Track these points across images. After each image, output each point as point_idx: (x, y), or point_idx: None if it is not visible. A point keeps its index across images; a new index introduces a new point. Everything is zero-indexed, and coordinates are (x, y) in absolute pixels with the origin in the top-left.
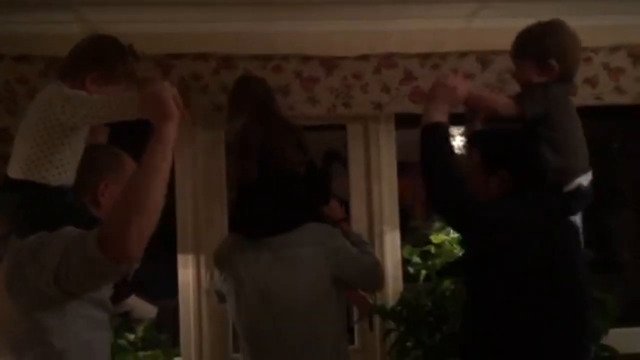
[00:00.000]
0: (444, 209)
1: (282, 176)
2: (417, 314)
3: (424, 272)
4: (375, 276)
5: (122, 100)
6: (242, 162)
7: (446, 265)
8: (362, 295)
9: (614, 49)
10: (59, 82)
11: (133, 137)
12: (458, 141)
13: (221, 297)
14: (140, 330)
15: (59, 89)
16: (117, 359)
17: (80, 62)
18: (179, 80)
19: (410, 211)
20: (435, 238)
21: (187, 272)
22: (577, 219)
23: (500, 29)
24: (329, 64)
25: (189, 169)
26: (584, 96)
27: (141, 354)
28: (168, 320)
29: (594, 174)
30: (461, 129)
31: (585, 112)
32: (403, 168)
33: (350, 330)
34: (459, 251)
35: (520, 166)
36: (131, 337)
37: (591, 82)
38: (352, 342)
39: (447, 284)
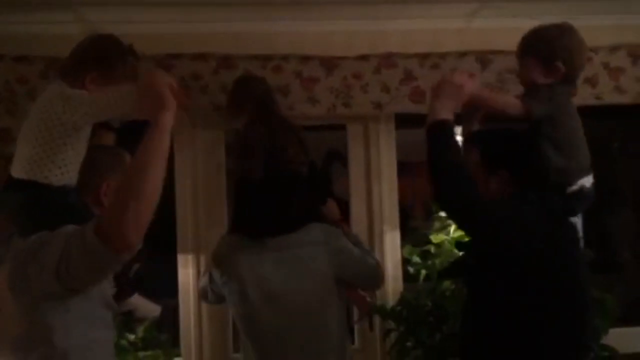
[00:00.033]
0: (451, 207)
1: (286, 176)
2: (417, 314)
3: (424, 272)
4: (376, 277)
5: (120, 95)
6: (246, 161)
7: (447, 265)
8: (362, 295)
9: (614, 49)
10: (59, 82)
11: (138, 139)
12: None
13: (220, 298)
14: (140, 331)
15: (60, 88)
16: (118, 359)
17: (80, 62)
18: (178, 80)
19: (410, 211)
20: (435, 238)
21: (187, 272)
22: (576, 218)
23: (500, 29)
24: (329, 64)
25: (188, 169)
26: (584, 96)
27: (141, 354)
28: (168, 320)
29: (594, 174)
30: (458, 129)
31: (585, 112)
32: (403, 168)
33: (351, 330)
34: (458, 251)
35: (520, 166)
36: (131, 337)
37: (591, 81)
38: (352, 342)
39: (447, 284)
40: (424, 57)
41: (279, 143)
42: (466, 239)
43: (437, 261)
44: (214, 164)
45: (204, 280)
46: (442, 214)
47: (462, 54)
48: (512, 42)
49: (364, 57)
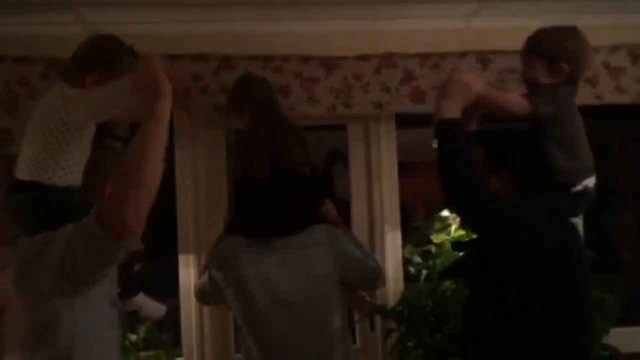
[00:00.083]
0: (462, 206)
1: (291, 177)
2: (418, 314)
3: (424, 272)
4: (377, 279)
5: (117, 87)
6: (250, 162)
7: (449, 265)
8: (362, 296)
9: (614, 49)
10: (61, 84)
11: None
12: None
13: (219, 300)
14: (142, 331)
15: (62, 90)
16: None
17: (81, 63)
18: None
19: (410, 211)
20: (436, 238)
21: (188, 272)
22: (576, 219)
23: (500, 29)
24: (329, 64)
25: (189, 169)
26: (584, 95)
27: (143, 354)
28: (170, 321)
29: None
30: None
31: (586, 112)
32: (403, 168)
33: (352, 330)
34: (456, 252)
35: (522, 166)
36: (133, 337)
37: (591, 81)
38: (353, 342)
39: (448, 284)
40: (424, 57)
41: (283, 144)
42: (464, 240)
43: (438, 261)
44: (214, 164)
45: (202, 281)
46: (443, 213)
47: (463, 54)
48: (512, 42)
49: (364, 57)
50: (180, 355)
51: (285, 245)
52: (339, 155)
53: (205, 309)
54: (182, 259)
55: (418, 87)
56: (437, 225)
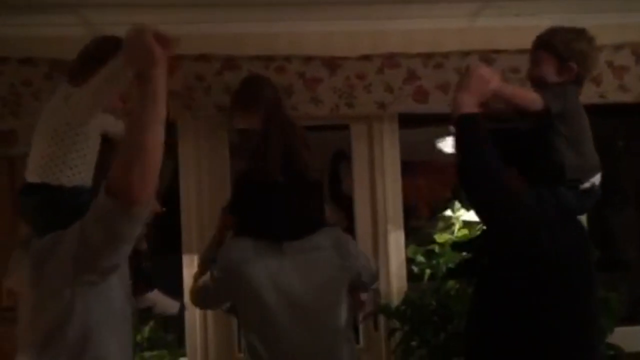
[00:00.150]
0: (483, 201)
1: (304, 180)
2: (421, 314)
3: (428, 271)
4: (375, 282)
5: (110, 67)
6: (264, 164)
7: (456, 264)
8: (360, 296)
9: (618, 47)
10: (65, 85)
11: None
12: (449, 141)
13: (220, 302)
14: (146, 331)
15: (65, 90)
16: None
17: (84, 64)
18: (182, 81)
19: (413, 211)
20: (440, 237)
21: (192, 272)
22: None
23: (503, 28)
24: (332, 64)
25: (192, 169)
26: (588, 94)
27: (147, 354)
28: (174, 321)
29: None
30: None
31: (589, 111)
32: (406, 167)
33: (355, 330)
34: (454, 252)
35: (530, 164)
36: (137, 337)
37: (595, 80)
38: (357, 341)
39: (451, 283)
40: (427, 56)
41: (293, 146)
42: (465, 240)
43: (441, 261)
44: (217, 165)
45: (203, 283)
46: (447, 213)
47: (466, 54)
48: (514, 41)
49: (366, 57)
50: (184, 355)
51: (296, 249)
52: (344, 155)
53: None
54: (185, 259)
55: (421, 86)
56: (441, 224)
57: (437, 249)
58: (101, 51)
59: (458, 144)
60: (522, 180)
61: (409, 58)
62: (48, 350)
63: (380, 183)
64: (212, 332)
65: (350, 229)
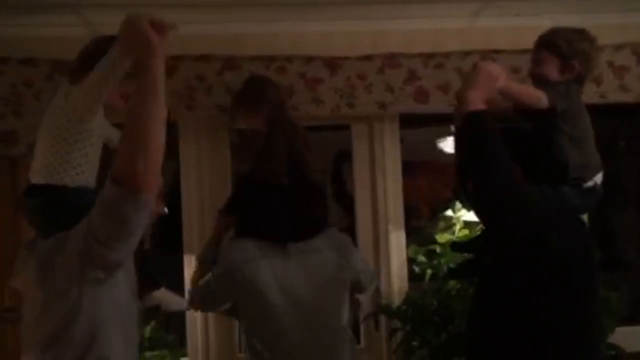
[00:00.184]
0: (492, 199)
1: (309, 182)
2: (422, 314)
3: (429, 271)
4: (373, 283)
5: (107, 59)
6: (270, 165)
7: (457, 264)
8: (357, 298)
9: (618, 47)
10: (66, 85)
11: None
12: (450, 141)
13: (220, 304)
14: (147, 331)
15: (66, 89)
16: None
17: (84, 63)
18: (182, 81)
19: (414, 211)
20: (441, 237)
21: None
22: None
23: (503, 28)
24: (333, 64)
25: (193, 169)
26: (588, 94)
27: (148, 354)
28: (175, 321)
29: None
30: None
31: (590, 111)
32: (407, 167)
33: (356, 330)
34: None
35: (534, 162)
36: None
37: (596, 80)
38: (358, 341)
39: (452, 283)
40: (427, 57)
41: (297, 148)
42: (465, 240)
43: (442, 261)
44: (219, 165)
45: (205, 285)
46: (448, 213)
47: (466, 54)
48: (515, 41)
49: (367, 58)
50: (185, 355)
51: (301, 250)
52: (347, 155)
53: None
54: (187, 259)
55: (422, 86)
56: (442, 224)
57: (438, 249)
58: (101, 51)
59: (466, 142)
60: (524, 179)
61: (410, 58)
62: (54, 350)
63: (381, 183)
64: (213, 332)
65: (351, 228)
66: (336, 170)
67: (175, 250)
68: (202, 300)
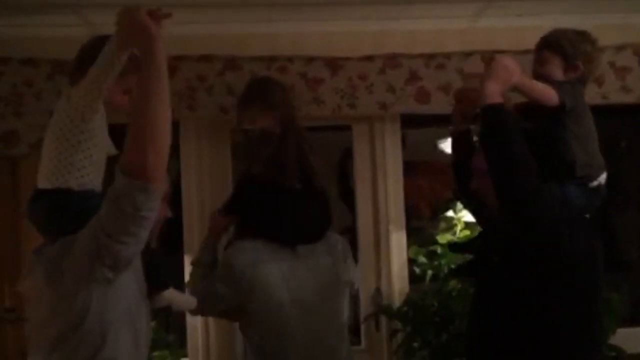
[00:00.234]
0: (511, 193)
1: (315, 185)
2: (423, 315)
3: (430, 272)
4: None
5: (103, 54)
6: (280, 168)
7: (459, 264)
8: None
9: (620, 48)
10: (67, 87)
11: None
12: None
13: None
14: None
15: (67, 92)
16: None
17: (83, 64)
18: (184, 81)
19: (415, 211)
20: (442, 238)
21: None
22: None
23: (504, 29)
24: (334, 64)
25: (194, 169)
26: (590, 95)
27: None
28: (175, 321)
29: None
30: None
31: (592, 111)
32: (408, 168)
33: (357, 331)
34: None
35: (541, 161)
36: None
37: (597, 81)
38: (358, 342)
39: (453, 284)
40: (429, 57)
41: (304, 151)
42: (462, 242)
43: (443, 261)
44: (220, 165)
45: (208, 286)
46: (449, 214)
47: (468, 54)
48: (516, 42)
49: (368, 58)
50: (185, 356)
51: (309, 252)
52: (352, 153)
53: None
54: (187, 259)
55: (423, 87)
56: (443, 225)
57: (439, 249)
58: (98, 50)
59: (486, 135)
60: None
61: (411, 58)
62: (62, 351)
63: (382, 183)
64: (213, 332)
65: (354, 228)
66: (342, 167)
67: (175, 250)
68: (203, 301)
